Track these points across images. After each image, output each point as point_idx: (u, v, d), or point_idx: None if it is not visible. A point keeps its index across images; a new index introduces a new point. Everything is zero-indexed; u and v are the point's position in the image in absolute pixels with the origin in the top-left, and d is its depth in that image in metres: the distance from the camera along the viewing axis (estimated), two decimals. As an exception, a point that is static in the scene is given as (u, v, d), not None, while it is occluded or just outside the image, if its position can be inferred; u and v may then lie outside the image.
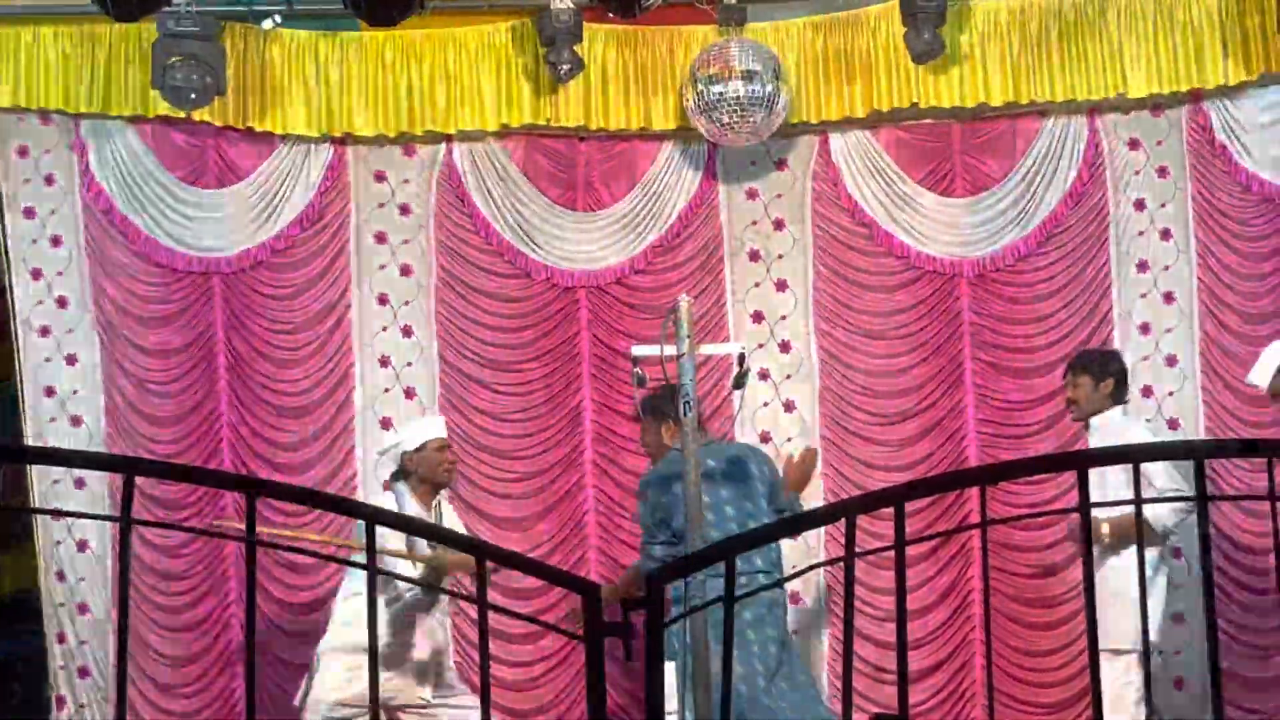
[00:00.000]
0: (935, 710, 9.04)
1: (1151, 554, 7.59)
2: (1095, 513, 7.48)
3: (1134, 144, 9.27)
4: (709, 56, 8.85)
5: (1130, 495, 4.46)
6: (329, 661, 7.44)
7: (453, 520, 7.90)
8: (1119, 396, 7.97)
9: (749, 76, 8.75)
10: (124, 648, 4.44)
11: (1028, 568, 9.11)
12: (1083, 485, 4.44)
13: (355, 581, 7.44)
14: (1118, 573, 7.41)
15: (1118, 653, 7.40)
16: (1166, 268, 9.23)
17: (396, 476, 7.78)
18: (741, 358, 7.43)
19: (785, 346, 9.37)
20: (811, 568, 5.16)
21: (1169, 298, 9.21)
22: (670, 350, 7.23)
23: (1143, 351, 9.11)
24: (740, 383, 7.29)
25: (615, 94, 9.19)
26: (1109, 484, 7.03)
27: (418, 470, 7.69)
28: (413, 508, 7.56)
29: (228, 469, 9.12)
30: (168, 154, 9.19)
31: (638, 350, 7.76)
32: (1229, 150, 9.13)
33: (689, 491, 6.88)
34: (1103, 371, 7.97)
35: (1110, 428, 7.84)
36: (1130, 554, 7.52)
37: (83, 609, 9.12)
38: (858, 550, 4.39)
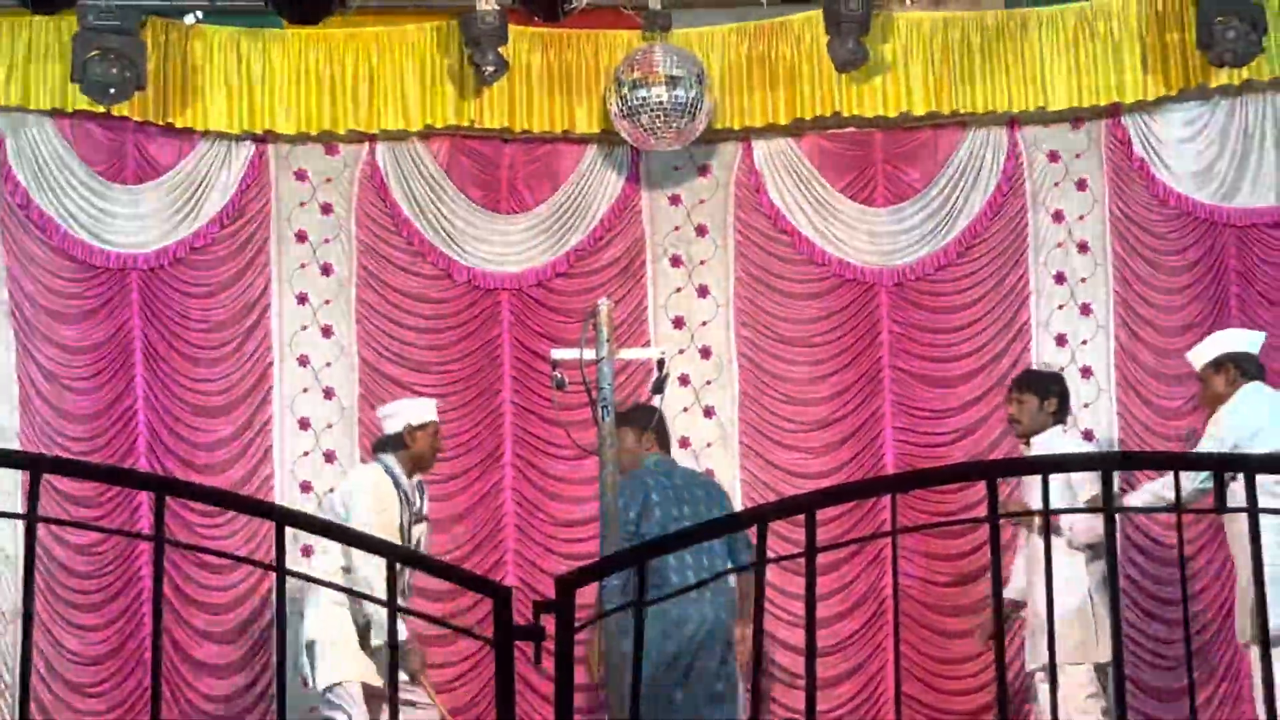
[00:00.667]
0: (849, 716, 9.07)
1: (1101, 565, 7.70)
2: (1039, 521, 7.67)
3: (1053, 156, 9.35)
4: (633, 61, 8.87)
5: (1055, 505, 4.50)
6: (335, 644, 7.47)
7: (426, 502, 8.04)
8: (1060, 416, 8.07)
9: (673, 82, 8.78)
10: (28, 643, 4.39)
11: (945, 575, 9.16)
12: (992, 495, 4.47)
13: (337, 556, 7.56)
14: (1066, 586, 7.52)
15: (1075, 665, 7.59)
16: (1084, 280, 9.31)
17: (383, 448, 7.92)
18: (661, 363, 7.45)
19: (706, 352, 9.39)
20: (724, 574, 5.19)
21: (1086, 310, 9.29)
22: (589, 354, 7.27)
23: (1059, 363, 9.17)
24: (659, 388, 7.31)
25: (539, 96, 9.19)
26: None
27: (414, 445, 7.88)
28: (403, 479, 7.78)
29: (144, 467, 9.05)
30: (86, 148, 9.12)
31: (557, 354, 7.79)
32: (1147, 164, 9.23)
33: (606, 497, 6.91)
34: (1047, 391, 8.07)
35: (1050, 446, 7.92)
36: (1081, 568, 7.66)
37: (-11, 606, 9.04)
38: (774, 556, 4.42)
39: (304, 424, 9.14)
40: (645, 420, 7.64)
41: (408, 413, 8.02)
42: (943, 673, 9.15)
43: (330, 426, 9.23)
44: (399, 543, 7.50)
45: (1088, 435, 9.04)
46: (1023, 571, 8.06)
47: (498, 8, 8.63)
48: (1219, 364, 7.78)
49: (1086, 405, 9.15)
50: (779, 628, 8.77)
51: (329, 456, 9.22)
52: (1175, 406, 9.10)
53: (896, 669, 4.66)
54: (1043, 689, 7.80)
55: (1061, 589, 7.44)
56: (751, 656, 4.53)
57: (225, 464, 9.12)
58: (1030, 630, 7.91)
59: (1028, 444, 8.07)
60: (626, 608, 4.71)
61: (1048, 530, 4.76)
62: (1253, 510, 4.51)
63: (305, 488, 9.12)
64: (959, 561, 9.15)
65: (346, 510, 7.70)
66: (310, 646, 7.66)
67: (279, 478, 9.15)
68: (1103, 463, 4.75)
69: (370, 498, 7.70)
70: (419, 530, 7.94)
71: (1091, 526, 7.62)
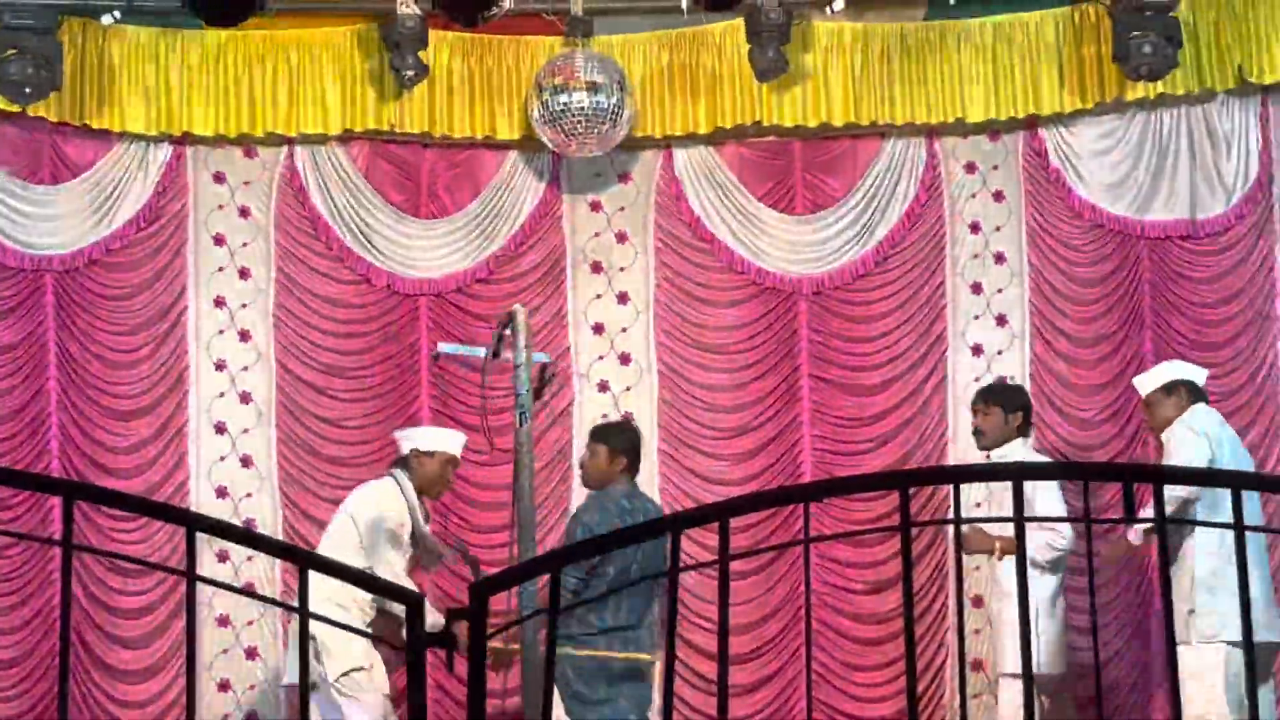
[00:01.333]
0: (764, 723, 9.12)
1: (1053, 580, 7.89)
2: (990, 529, 7.77)
3: (971, 167, 9.43)
4: (554, 67, 8.86)
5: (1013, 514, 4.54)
6: (337, 634, 7.33)
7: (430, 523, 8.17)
8: (1024, 430, 8.17)
9: (594, 88, 8.78)
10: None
11: (859, 584, 9.21)
12: (904, 504, 4.50)
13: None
14: (1013, 600, 7.63)
15: (1016, 677, 7.58)
16: (1000, 290, 9.38)
17: (397, 464, 8.10)
18: (544, 367, 7.48)
19: (625, 359, 9.40)
20: (638, 580, 5.19)
21: (1002, 320, 9.36)
22: (479, 351, 7.40)
23: (975, 372, 9.24)
24: (539, 393, 7.34)
25: (460, 102, 9.18)
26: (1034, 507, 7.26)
27: (417, 470, 8.01)
28: (412, 495, 7.93)
29: (56, 470, 8.98)
30: (1, 148, 9.02)
31: (444, 347, 7.84)
32: (1063, 176, 9.31)
33: (524, 502, 6.91)
34: (1013, 404, 8.19)
35: (1011, 459, 7.99)
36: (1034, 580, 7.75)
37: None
38: (689, 563, 4.43)
39: (220, 428, 9.08)
40: (620, 441, 7.65)
41: (418, 438, 8.17)
42: (857, 679, 9.19)
43: (247, 431, 9.18)
44: (405, 558, 7.81)
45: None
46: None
47: (418, 12, 8.61)
48: (1171, 387, 7.89)
49: (1002, 414, 9.22)
50: (695, 633, 8.78)
51: (245, 461, 9.17)
52: (1089, 416, 9.19)
53: (808, 676, 4.68)
54: (1003, 696, 7.91)
55: (1011, 602, 7.66)
56: (665, 661, 4.55)
57: (140, 468, 9.06)
58: (987, 639, 8.07)
59: (989, 457, 8.17)
60: (540, 614, 4.70)
61: (959, 538, 4.79)
62: (1160, 520, 4.57)
63: (220, 493, 9.07)
64: (875, 569, 9.19)
65: (360, 522, 7.82)
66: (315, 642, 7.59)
67: (195, 482, 9.09)
68: (1015, 473, 4.79)
69: (386, 512, 7.85)
70: (431, 541, 8.11)
71: (1049, 544, 7.71)
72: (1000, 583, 7.80)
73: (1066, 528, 7.76)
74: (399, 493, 7.96)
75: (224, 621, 8.96)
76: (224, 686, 8.95)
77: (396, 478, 8.02)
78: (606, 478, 7.61)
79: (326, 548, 7.88)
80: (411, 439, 8.19)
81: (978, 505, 8.25)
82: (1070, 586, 8.19)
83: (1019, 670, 7.50)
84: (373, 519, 7.80)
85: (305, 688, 4.55)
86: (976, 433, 8.25)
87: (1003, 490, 6.94)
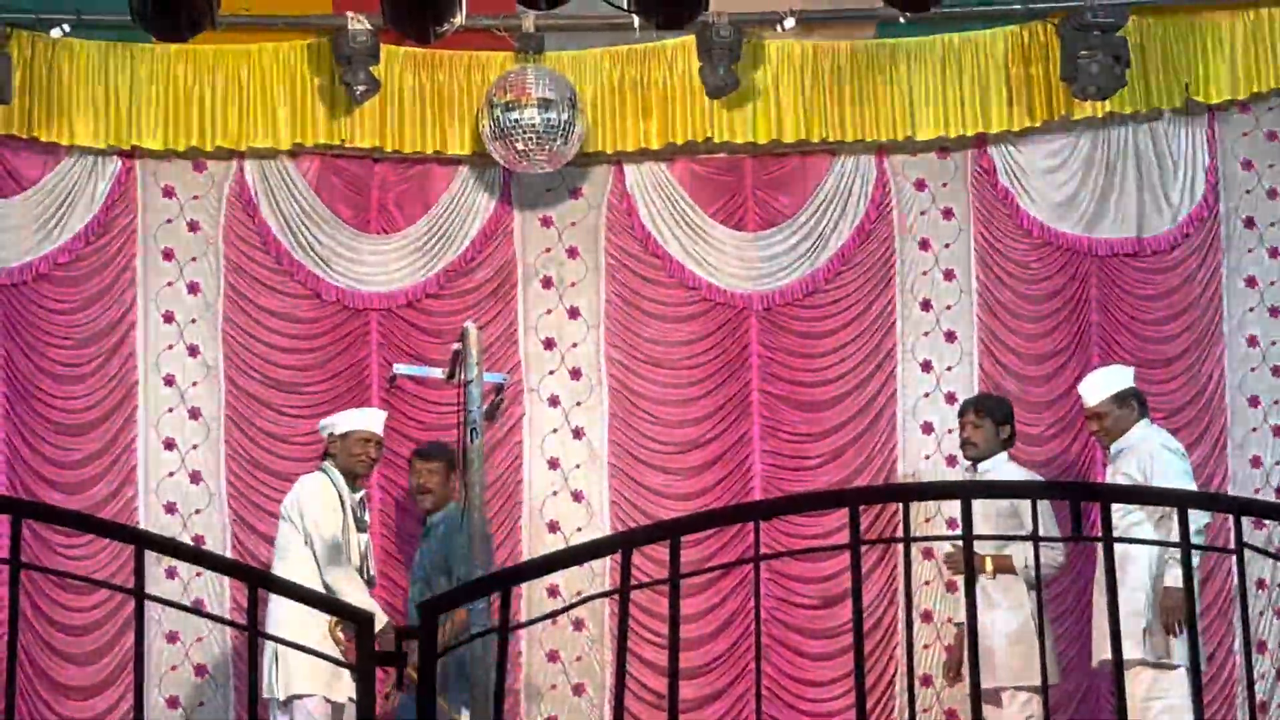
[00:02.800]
0: (715, 738, 9.13)
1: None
2: (978, 547, 7.81)
3: (920, 185, 9.47)
4: (506, 83, 8.87)
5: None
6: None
7: (369, 513, 8.26)
8: (1010, 442, 8.25)
9: (545, 105, 8.79)
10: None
11: (809, 599, 9.23)
12: (854, 522, 4.53)
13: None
14: (1007, 615, 7.81)
15: (1017, 690, 7.81)
16: (949, 307, 9.42)
17: (324, 456, 8.15)
18: (500, 388, 7.51)
19: (575, 373, 9.40)
20: (590, 598, 5.20)
21: (950, 336, 9.40)
22: (435, 373, 7.45)
23: (924, 388, 9.30)
24: (492, 414, 7.36)
25: (411, 117, 9.17)
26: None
27: (337, 455, 8.05)
28: (340, 482, 8.01)
29: (2, 484, 8.91)
30: (-52, 161, 8.98)
31: (400, 368, 7.86)
32: (1012, 194, 9.36)
33: (474, 517, 6.92)
34: (1003, 416, 8.25)
35: (998, 471, 8.10)
36: (1023, 595, 7.84)
37: None
38: (640, 581, 4.44)
39: (169, 444, 9.04)
40: (454, 460, 7.87)
41: (335, 422, 8.20)
42: (805, 694, 9.20)
43: (196, 447, 9.14)
44: (345, 547, 7.83)
45: (951, 460, 9.12)
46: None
47: (369, 27, 8.62)
48: (1124, 397, 7.95)
49: (950, 430, 9.21)
50: (645, 648, 8.79)
51: (194, 477, 9.13)
52: (1037, 432, 9.21)
53: (758, 692, 4.70)
54: (1008, 710, 7.96)
55: (1003, 616, 7.71)
56: (615, 677, 4.56)
57: (88, 483, 9.00)
58: (936, 653, 8.13)
59: (974, 468, 8.20)
60: (490, 633, 4.70)
61: (907, 554, 4.81)
62: (1107, 540, 4.61)
63: (169, 509, 9.02)
64: (822, 585, 9.21)
65: (301, 517, 7.93)
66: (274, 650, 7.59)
67: (142, 498, 9.03)
68: (964, 491, 4.82)
69: (319, 500, 7.94)
70: (363, 539, 8.08)
71: (1047, 561, 7.75)
72: (991, 596, 7.81)
73: (1061, 545, 7.82)
74: (328, 481, 8.02)
75: (172, 638, 8.92)
76: (172, 703, 8.91)
77: (324, 469, 8.08)
78: (443, 500, 8.25)
79: (279, 559, 7.91)
80: (329, 424, 8.24)
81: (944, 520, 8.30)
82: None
83: (1021, 682, 7.72)
84: (316, 514, 7.89)
85: (255, 707, 4.55)
86: (966, 444, 8.26)
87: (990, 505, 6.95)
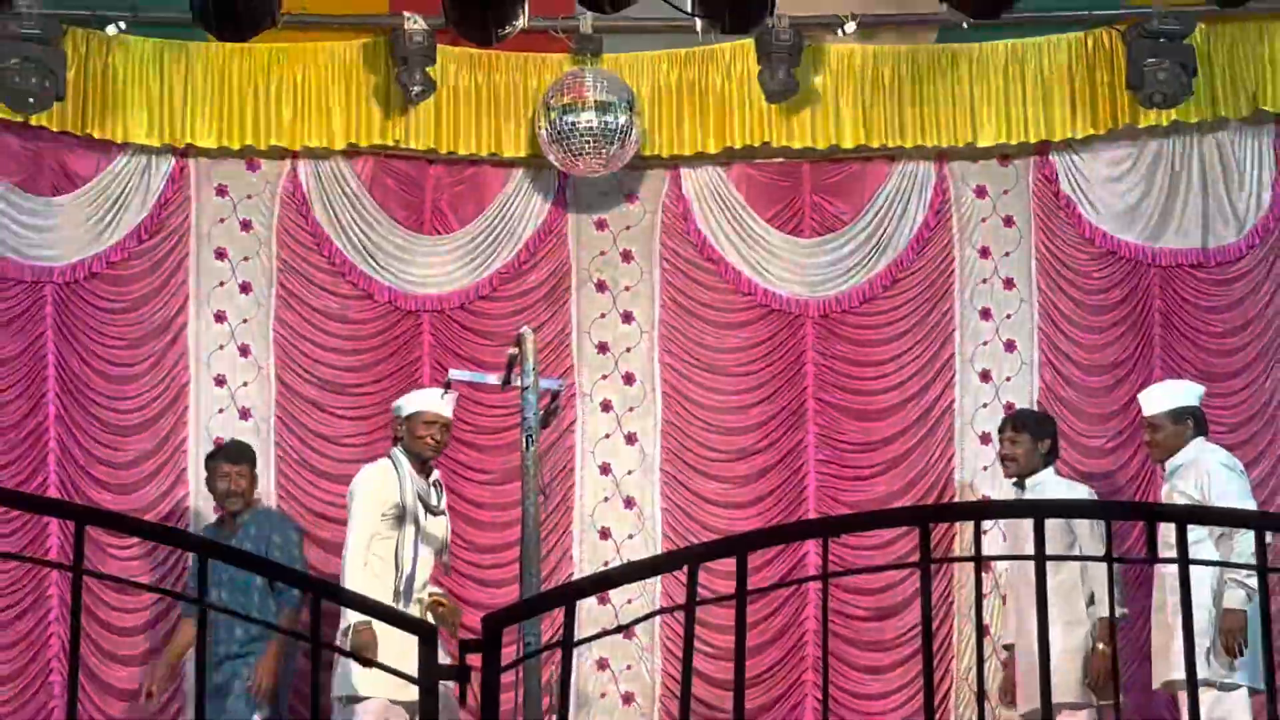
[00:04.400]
0: (767, 749, 9.09)
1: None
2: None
3: (981, 192, 9.43)
4: (563, 85, 8.86)
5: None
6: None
7: (442, 498, 8.03)
8: (1052, 458, 8.18)
9: (602, 108, 8.78)
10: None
11: (864, 610, 9.18)
12: (924, 541, 4.49)
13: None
14: (1064, 631, 7.70)
15: (1075, 708, 7.81)
16: (1009, 316, 9.37)
17: (394, 440, 8.01)
18: (555, 395, 7.46)
19: (629, 379, 9.38)
20: (656, 613, 5.17)
21: (1010, 346, 9.35)
22: (491, 379, 7.43)
23: (983, 399, 9.25)
24: (547, 421, 7.30)
25: (466, 118, 9.17)
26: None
27: (403, 438, 7.89)
28: (408, 474, 7.78)
29: (54, 484, 8.96)
30: (2, 158, 9.01)
31: (455, 375, 7.85)
32: (1073, 202, 9.31)
33: (529, 528, 6.87)
34: (1041, 431, 8.19)
35: (1044, 488, 8.02)
36: (1081, 611, 7.82)
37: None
38: (702, 597, 4.41)
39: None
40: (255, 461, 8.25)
41: (403, 403, 8.04)
42: (856, 707, 9.16)
43: (245, 447, 9.15)
44: (410, 533, 7.71)
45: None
46: (1013, 614, 8.21)
47: (426, 28, 8.61)
48: (1181, 415, 7.89)
49: (1010, 442, 9.21)
50: (697, 659, 8.73)
51: (244, 477, 9.13)
52: (1099, 445, 9.19)
53: (824, 708, 4.67)
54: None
55: (1061, 631, 7.65)
56: (680, 699, 4.53)
57: (138, 483, 9.02)
58: (1020, 672, 8.06)
59: (1020, 484, 8.13)
60: (553, 647, 4.68)
61: (979, 575, 4.77)
62: (1183, 561, 4.56)
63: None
64: (876, 597, 9.17)
65: (350, 502, 7.89)
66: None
67: (193, 499, 9.03)
68: (1035, 511, 4.79)
69: (364, 488, 7.82)
70: (437, 524, 7.92)
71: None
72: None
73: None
74: (390, 466, 7.86)
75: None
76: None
77: (391, 454, 7.94)
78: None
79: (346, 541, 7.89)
80: (397, 407, 8.08)
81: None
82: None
83: (1075, 700, 7.71)
84: (358, 504, 7.80)
85: (316, 713, 4.55)
86: (1005, 460, 8.22)
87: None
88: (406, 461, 7.85)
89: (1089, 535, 7.65)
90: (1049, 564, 7.46)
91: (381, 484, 7.79)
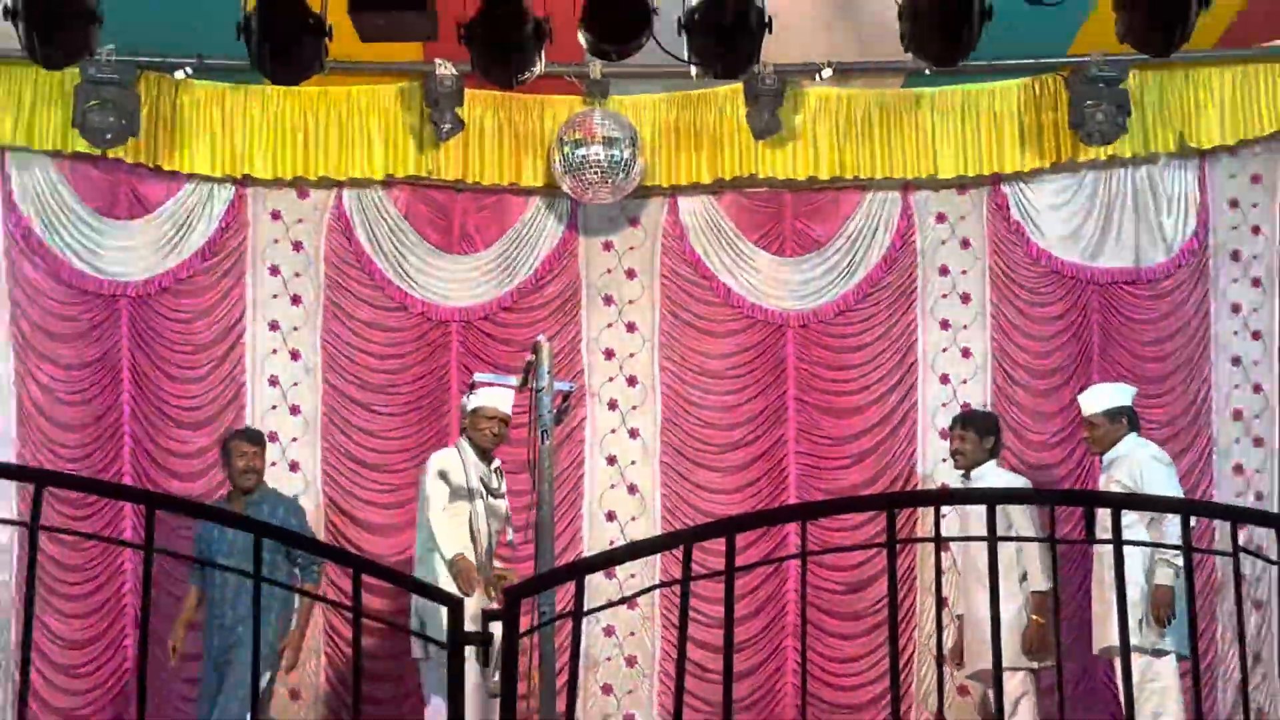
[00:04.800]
0: (751, 708, 9.05)
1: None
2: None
3: (941, 218, 9.41)
4: (574, 123, 8.86)
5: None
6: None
7: (503, 483, 8.05)
8: (995, 452, 8.19)
9: (609, 143, 8.79)
10: (28, 636, 4.34)
11: (838, 585, 9.16)
12: (890, 523, 4.50)
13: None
14: (1003, 606, 7.66)
15: (1013, 670, 7.70)
16: (965, 326, 9.35)
17: (461, 431, 8.07)
18: (566, 395, 7.48)
19: (632, 381, 9.38)
20: (656, 587, 5.18)
21: (966, 353, 9.34)
22: (511, 380, 7.44)
23: (942, 399, 9.23)
24: (560, 418, 7.34)
25: (490, 152, 9.17)
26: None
27: (467, 429, 7.93)
28: (471, 460, 7.83)
29: (127, 473, 8.97)
30: (83, 187, 9.02)
31: (480, 377, 7.85)
32: (1022, 227, 9.30)
33: (542, 510, 6.86)
34: (986, 429, 8.21)
35: (985, 477, 8.06)
36: (1015, 585, 7.75)
37: (-12, 593, 8.90)
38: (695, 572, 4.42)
39: (272, 437, 9.00)
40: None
41: (470, 399, 8.04)
42: (832, 669, 9.14)
43: (295, 440, 9.16)
44: (471, 511, 7.72)
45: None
46: (960, 589, 8.24)
47: (455, 73, 8.62)
48: (1116, 414, 7.91)
49: (964, 437, 9.19)
50: (691, 627, 8.64)
51: (293, 466, 9.16)
52: (1043, 440, 9.20)
53: (803, 671, 4.68)
54: (987, 691, 7.93)
55: (1013, 592, 7.61)
56: (676, 663, 4.54)
57: (200, 472, 9.01)
58: (965, 639, 8.07)
59: (967, 475, 8.16)
60: (564, 617, 4.68)
61: (938, 556, 4.78)
62: (1117, 542, 4.57)
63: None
64: (848, 572, 9.15)
65: (420, 482, 7.93)
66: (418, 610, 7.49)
67: (249, 485, 9.01)
68: (987, 498, 4.79)
69: (433, 467, 7.83)
70: (498, 505, 7.94)
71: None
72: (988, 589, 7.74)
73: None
74: (455, 452, 7.92)
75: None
76: (294, 695, 8.93)
77: (458, 444, 8.00)
78: None
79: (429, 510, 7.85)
80: (464, 403, 8.13)
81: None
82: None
83: (1017, 664, 7.66)
84: (426, 484, 7.81)
85: (358, 680, 4.54)
86: (955, 455, 8.23)
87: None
88: (471, 450, 7.88)
89: (1021, 518, 7.64)
90: (986, 545, 7.59)
91: (445, 464, 7.83)
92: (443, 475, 7.77)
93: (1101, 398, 8.03)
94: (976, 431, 8.15)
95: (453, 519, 7.71)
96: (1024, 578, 7.84)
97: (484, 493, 7.83)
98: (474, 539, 7.71)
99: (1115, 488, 7.64)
